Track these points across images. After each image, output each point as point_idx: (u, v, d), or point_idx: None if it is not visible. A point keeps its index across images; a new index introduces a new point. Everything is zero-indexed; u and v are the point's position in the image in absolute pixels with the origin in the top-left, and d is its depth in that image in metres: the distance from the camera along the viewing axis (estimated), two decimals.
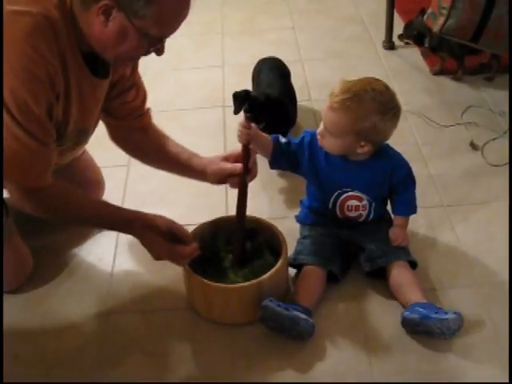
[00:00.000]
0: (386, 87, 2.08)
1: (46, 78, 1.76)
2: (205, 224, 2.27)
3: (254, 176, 2.16)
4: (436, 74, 3.41)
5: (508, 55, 3.06)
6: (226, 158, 2.21)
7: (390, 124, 2.07)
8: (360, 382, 1.96)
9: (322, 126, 2.12)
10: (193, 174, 2.29)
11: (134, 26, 1.73)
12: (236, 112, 2.68)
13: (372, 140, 2.09)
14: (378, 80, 2.09)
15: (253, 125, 2.08)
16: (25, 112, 1.74)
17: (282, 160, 2.24)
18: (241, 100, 2.67)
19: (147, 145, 2.32)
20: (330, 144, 2.12)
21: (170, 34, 1.83)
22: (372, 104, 2.01)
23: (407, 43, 3.55)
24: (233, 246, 2.21)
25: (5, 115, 1.72)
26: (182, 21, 1.80)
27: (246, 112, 2.59)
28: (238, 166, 2.12)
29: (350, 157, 2.17)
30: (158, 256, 2.04)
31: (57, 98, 1.85)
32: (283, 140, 2.23)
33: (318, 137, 2.14)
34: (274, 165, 2.26)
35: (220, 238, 2.27)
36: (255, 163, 2.15)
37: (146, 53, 1.87)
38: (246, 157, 2.09)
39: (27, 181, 1.88)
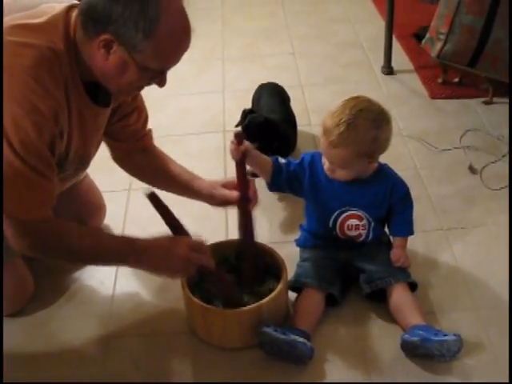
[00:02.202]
0: (369, 101, 2.10)
1: (50, 112, 1.77)
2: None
3: (254, 204, 2.18)
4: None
5: (504, 79, 3.08)
6: (225, 185, 2.24)
7: (388, 131, 2.10)
8: (358, 382, 1.97)
9: (327, 163, 2.14)
10: (192, 195, 2.31)
11: (133, 59, 1.75)
12: (236, 125, 2.78)
13: (379, 153, 2.13)
14: (358, 97, 2.10)
15: (246, 143, 2.10)
16: (26, 143, 1.73)
17: (282, 181, 2.25)
18: (243, 115, 2.74)
19: (149, 165, 2.34)
20: (342, 175, 2.15)
21: (171, 67, 1.85)
22: (366, 124, 2.03)
23: None
24: (242, 272, 2.23)
25: (5, 144, 1.71)
26: (182, 54, 1.82)
27: (243, 129, 2.63)
28: (234, 193, 2.15)
29: (358, 176, 2.19)
30: (179, 255, 1.94)
31: (60, 133, 1.85)
32: (283, 161, 2.25)
33: (328, 172, 2.16)
34: (273, 186, 2.27)
35: (221, 262, 2.27)
36: (255, 192, 2.18)
37: (148, 84, 1.90)
38: (240, 175, 2.11)
39: (21, 212, 1.81)
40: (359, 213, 2.22)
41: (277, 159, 2.25)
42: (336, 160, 2.10)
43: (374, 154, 2.12)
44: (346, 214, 2.23)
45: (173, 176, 2.32)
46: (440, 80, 3.50)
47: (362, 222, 2.23)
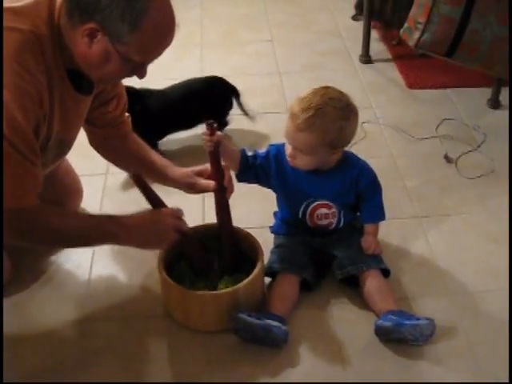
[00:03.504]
0: (340, 92, 2.11)
1: (36, 95, 1.77)
2: None
3: (230, 193, 2.19)
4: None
5: (480, 69, 3.12)
6: (200, 173, 2.25)
7: (354, 124, 2.12)
8: (351, 382, 1.98)
9: (290, 148, 2.14)
10: (168, 182, 2.33)
11: (116, 50, 1.76)
12: None
13: (342, 145, 2.14)
14: (329, 87, 2.11)
15: (219, 132, 2.11)
16: (12, 126, 1.71)
17: (249, 173, 2.26)
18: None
19: (125, 152, 2.35)
20: (303, 162, 2.15)
21: (153, 60, 1.86)
22: (335, 113, 2.04)
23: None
24: (221, 258, 2.25)
25: None
26: (165, 48, 1.83)
27: None
28: (211, 183, 2.16)
29: (319, 167, 2.20)
30: (168, 225, 2.02)
31: (44, 117, 1.85)
32: (250, 153, 2.27)
33: (289, 159, 2.16)
34: (240, 177, 2.28)
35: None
36: (230, 180, 2.19)
37: (129, 75, 1.90)
38: (215, 164, 2.13)
39: (8, 200, 1.77)
40: (327, 202, 2.24)
41: (244, 151, 2.26)
42: (300, 145, 2.10)
43: (337, 145, 2.12)
44: (314, 204, 2.24)
45: (148, 163, 2.33)
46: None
47: (332, 211, 2.25)
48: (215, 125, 2.08)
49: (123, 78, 1.96)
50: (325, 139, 2.06)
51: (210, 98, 3.07)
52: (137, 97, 2.79)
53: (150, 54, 1.83)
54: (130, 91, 2.70)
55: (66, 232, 1.93)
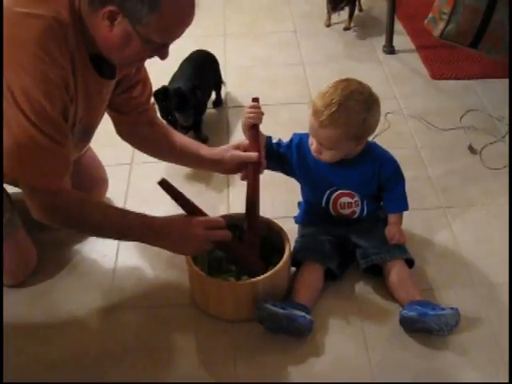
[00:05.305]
0: (360, 83, 2.10)
1: (60, 80, 1.79)
2: None
3: (263, 167, 2.21)
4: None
5: (506, 60, 3.10)
6: (237, 147, 2.26)
7: (377, 114, 2.12)
8: (361, 383, 1.98)
9: (315, 144, 2.15)
10: (204, 163, 2.34)
11: (137, 32, 1.77)
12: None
13: (366, 136, 2.15)
14: (349, 79, 2.11)
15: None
16: (39, 112, 1.75)
17: (272, 160, 2.27)
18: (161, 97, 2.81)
19: (155, 137, 2.35)
20: (329, 157, 2.16)
21: (173, 41, 1.86)
22: (357, 106, 2.04)
23: None
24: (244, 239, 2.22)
25: (19, 114, 1.73)
26: (185, 28, 1.83)
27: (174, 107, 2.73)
28: (253, 153, 2.17)
29: (344, 158, 2.20)
30: (195, 236, 1.99)
31: (71, 100, 1.88)
32: (274, 141, 2.28)
33: (315, 154, 2.18)
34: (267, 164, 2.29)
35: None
36: (263, 156, 2.21)
37: (150, 57, 1.91)
38: (254, 137, 2.17)
39: (41, 181, 1.86)
40: (350, 191, 2.24)
41: (270, 138, 2.28)
42: (325, 140, 2.11)
43: (362, 137, 2.13)
44: (337, 193, 2.25)
45: (180, 146, 2.34)
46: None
47: (354, 200, 2.26)
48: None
49: (145, 59, 1.97)
50: (349, 133, 2.07)
51: (214, 66, 3.28)
52: (194, 92, 2.87)
53: (171, 34, 1.83)
54: (195, 84, 2.86)
55: (98, 224, 1.98)
